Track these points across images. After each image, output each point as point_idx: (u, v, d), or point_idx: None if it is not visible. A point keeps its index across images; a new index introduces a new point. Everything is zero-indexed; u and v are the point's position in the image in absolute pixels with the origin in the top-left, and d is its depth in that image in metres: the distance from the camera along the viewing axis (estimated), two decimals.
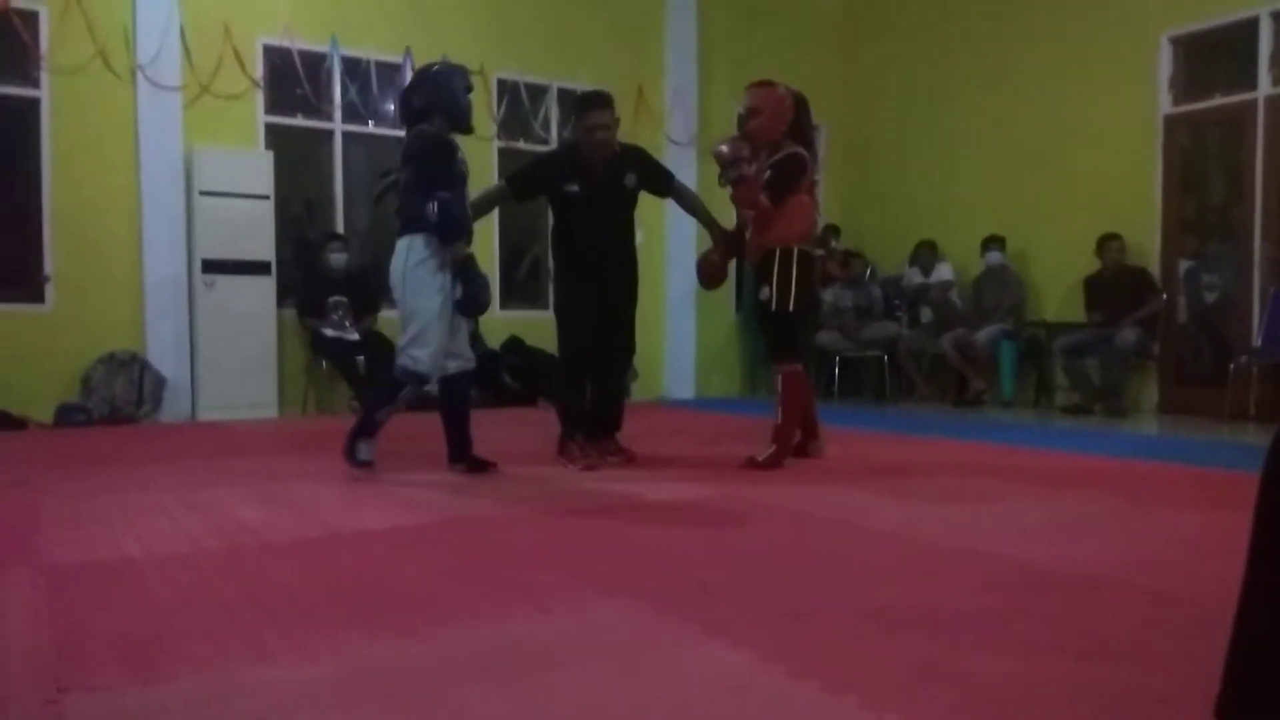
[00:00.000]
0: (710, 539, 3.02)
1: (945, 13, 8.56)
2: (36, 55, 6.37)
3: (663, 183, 4.67)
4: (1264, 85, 6.54)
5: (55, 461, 4.73)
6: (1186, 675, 1.70)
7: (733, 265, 5.58)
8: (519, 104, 8.05)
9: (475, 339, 7.61)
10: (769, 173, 4.33)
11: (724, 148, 4.31)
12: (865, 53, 9.40)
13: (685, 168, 8.35)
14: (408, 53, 7.48)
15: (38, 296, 6.46)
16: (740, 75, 8.51)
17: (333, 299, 6.96)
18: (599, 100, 4.48)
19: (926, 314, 8.05)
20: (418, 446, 4.68)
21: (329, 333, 6.90)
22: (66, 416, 6.27)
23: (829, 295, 8.10)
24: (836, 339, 8.13)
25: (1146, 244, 7.10)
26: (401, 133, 4.37)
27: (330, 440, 4.53)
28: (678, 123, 8.56)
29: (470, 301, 3.98)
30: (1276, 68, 6.50)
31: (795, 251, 4.33)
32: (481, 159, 7.72)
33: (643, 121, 8.31)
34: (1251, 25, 6.58)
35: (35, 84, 6.40)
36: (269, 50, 7.10)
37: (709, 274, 4.70)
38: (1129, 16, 7.18)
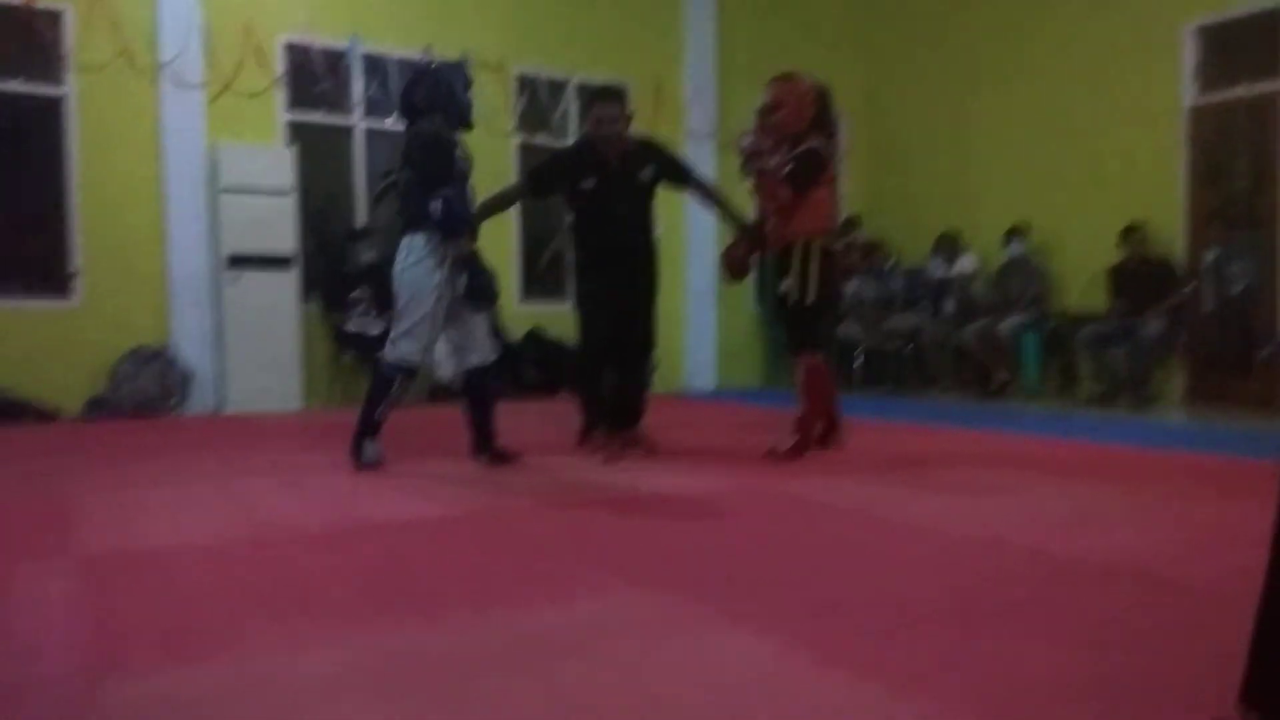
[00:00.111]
0: (732, 530, 3.04)
1: (967, 3, 8.50)
2: (61, 54, 6.44)
3: (680, 176, 4.68)
4: None
5: (86, 454, 4.80)
6: (1207, 665, 1.70)
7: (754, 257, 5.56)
8: (538, 99, 8.06)
9: (496, 331, 7.66)
10: (790, 165, 4.32)
11: (746, 140, 4.31)
12: (886, 43, 9.35)
13: (705, 161, 8.36)
14: (427, 49, 7.50)
15: (65, 292, 6.55)
16: (760, 68, 8.49)
17: (356, 293, 7.01)
18: (607, 94, 4.54)
19: (949, 305, 8.01)
20: (442, 438, 4.71)
21: (352, 327, 6.96)
22: (95, 410, 6.36)
23: (851, 286, 8.07)
24: (859, 330, 8.10)
25: (1171, 234, 7.04)
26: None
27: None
28: (697, 116, 8.54)
29: (477, 294, 3.99)
30: None
31: (816, 244, 4.33)
32: (500, 154, 7.75)
33: (662, 115, 8.30)
34: (1276, 15, 6.49)
35: (60, 82, 6.48)
36: (290, 48, 7.14)
37: (733, 267, 4.71)
38: (1153, 7, 7.10)
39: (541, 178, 4.70)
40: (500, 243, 7.84)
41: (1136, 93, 7.22)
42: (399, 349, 4.02)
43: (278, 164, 6.86)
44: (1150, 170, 7.16)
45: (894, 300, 8.14)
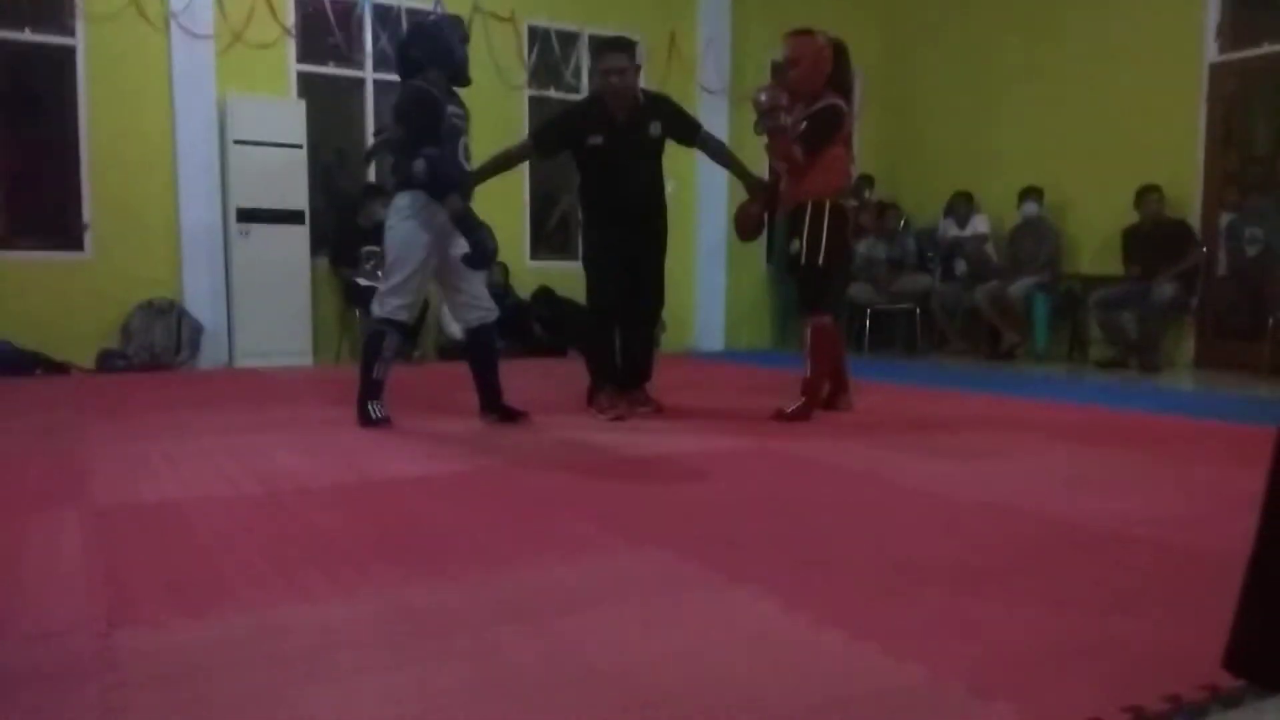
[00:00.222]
0: (737, 490, 3.06)
1: None
2: (72, 3, 6.39)
3: (688, 131, 4.62)
4: None
5: (98, 406, 4.85)
6: (1210, 630, 1.71)
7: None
8: (550, 52, 7.98)
9: (506, 290, 7.67)
10: (804, 124, 4.27)
11: (762, 95, 4.25)
12: (902, 1, 9.19)
13: (718, 116, 8.28)
14: (437, 0, 7.42)
15: (77, 244, 6.58)
16: (774, 21, 8.40)
17: (366, 248, 7.01)
18: (615, 44, 4.48)
19: (961, 266, 7.97)
20: (451, 396, 4.74)
21: (363, 282, 6.96)
22: (107, 362, 6.42)
23: (862, 247, 8.03)
24: (869, 291, 8.08)
25: (1187, 196, 6.96)
26: None
27: None
28: (710, 71, 8.45)
29: (475, 255, 3.95)
30: None
31: (827, 205, 4.29)
32: (512, 108, 7.69)
33: (675, 69, 8.22)
34: None
35: (71, 33, 6.45)
36: None
37: (746, 225, 4.65)
38: None
39: (547, 136, 4.66)
40: (510, 201, 7.82)
41: (1157, 50, 7.10)
42: (386, 305, 4.04)
43: (289, 116, 6.84)
44: (1168, 131, 7.07)
45: (905, 261, 8.10)
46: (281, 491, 2.91)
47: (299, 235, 6.88)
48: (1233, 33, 6.82)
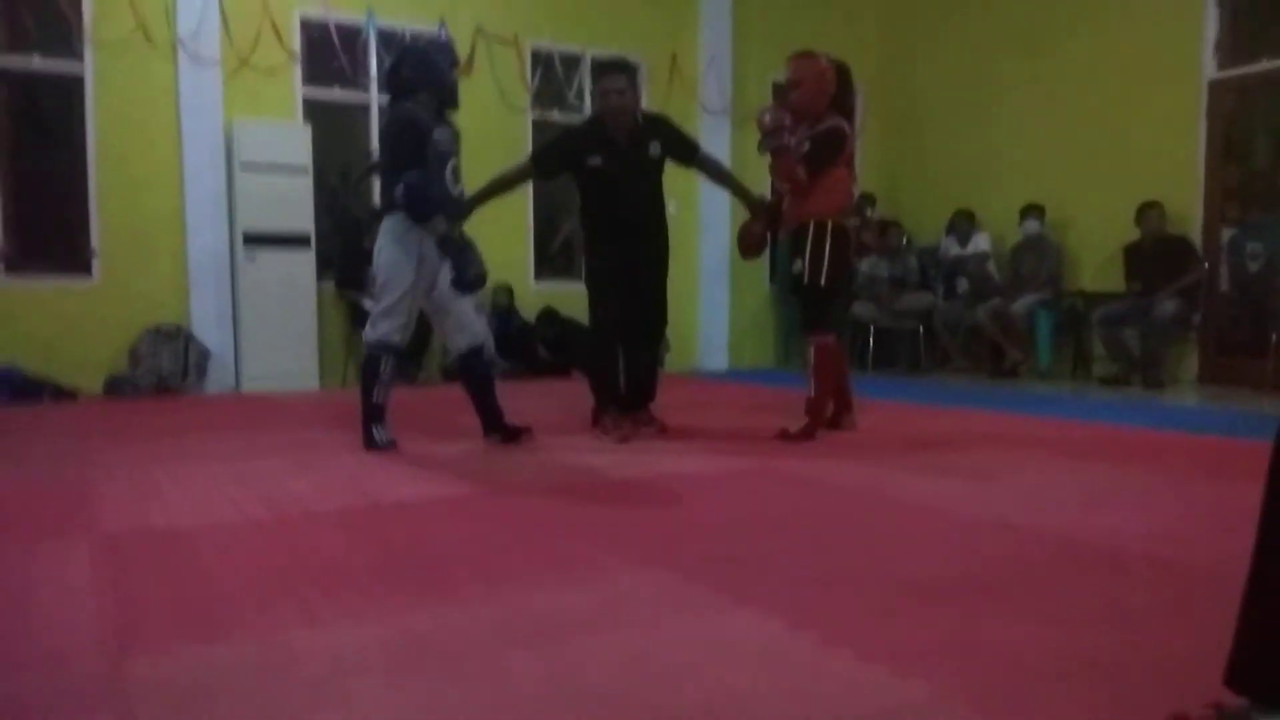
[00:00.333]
0: (742, 510, 3.07)
1: None
2: (79, 30, 6.47)
3: (687, 152, 4.65)
4: None
5: (106, 432, 4.87)
6: (1214, 646, 1.72)
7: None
8: (553, 74, 8.05)
9: (510, 311, 7.70)
10: (807, 145, 4.31)
11: (766, 116, 4.29)
12: (903, 18, 9.26)
13: (719, 136, 8.34)
14: (442, 23, 7.50)
15: (85, 270, 6.62)
16: (775, 42, 8.49)
17: (372, 271, 7.03)
18: (614, 66, 4.51)
19: (963, 284, 7.99)
20: (455, 418, 4.76)
21: (368, 304, 6.99)
22: (115, 387, 6.45)
23: (864, 266, 8.06)
24: (871, 310, 8.10)
25: (1188, 212, 6.99)
26: None
27: None
28: (711, 91, 8.51)
29: (460, 279, 3.97)
30: None
31: (829, 225, 4.33)
32: (516, 130, 7.75)
33: (677, 90, 8.29)
34: None
35: (79, 59, 6.52)
36: (306, 23, 7.15)
37: (750, 244, 4.68)
38: None
39: (547, 157, 4.69)
40: (513, 223, 7.87)
41: (1156, 67, 7.15)
42: (379, 329, 4.07)
43: (295, 141, 6.89)
44: (1168, 147, 7.10)
45: (907, 279, 8.13)
46: (289, 516, 2.93)
47: (305, 259, 6.91)
48: (1231, 49, 6.86)
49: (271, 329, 6.80)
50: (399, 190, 3.89)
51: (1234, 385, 6.62)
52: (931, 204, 8.66)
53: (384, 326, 4.06)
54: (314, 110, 7.24)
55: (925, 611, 2.00)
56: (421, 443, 4.26)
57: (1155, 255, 6.86)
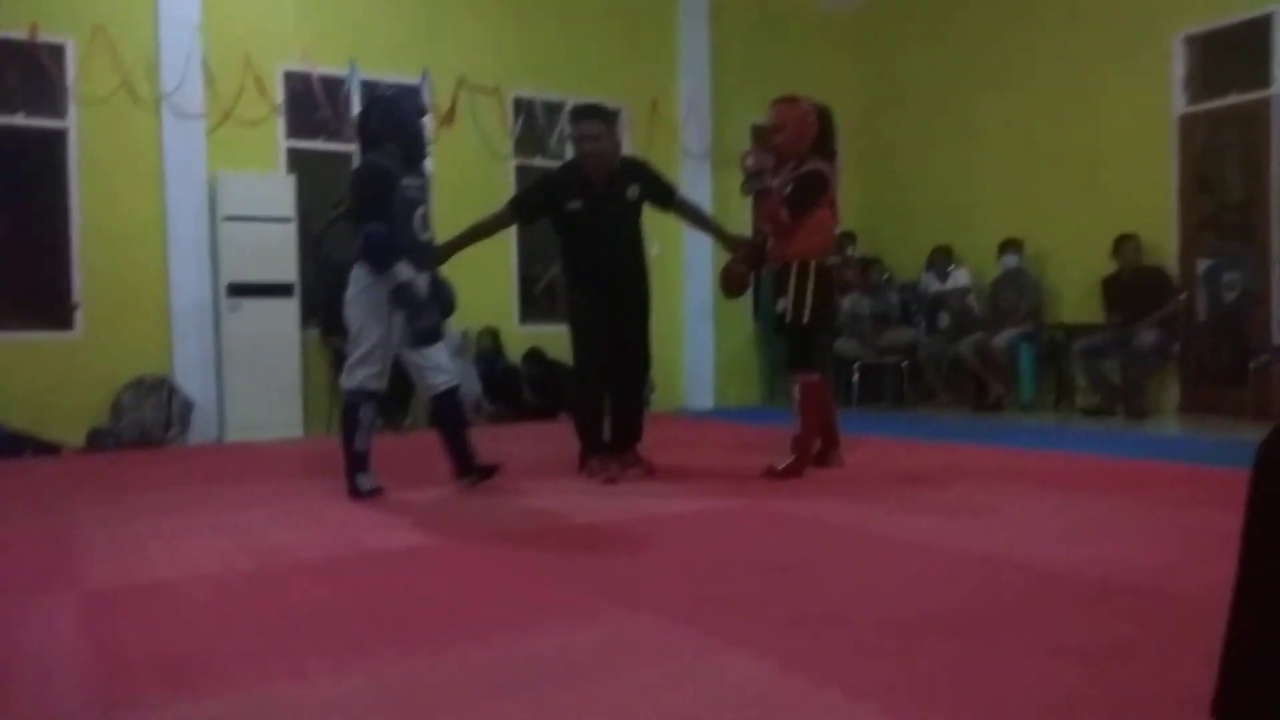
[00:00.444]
0: (730, 550, 3.07)
1: (958, 19, 8.59)
2: (64, 87, 6.52)
3: (665, 195, 4.70)
4: (1279, 83, 6.52)
5: (89, 486, 4.83)
6: (1201, 677, 1.73)
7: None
8: (535, 121, 8.14)
9: (496, 355, 7.71)
10: (790, 187, 4.38)
11: (749, 159, 4.36)
12: (879, 60, 9.44)
13: (700, 179, 8.44)
14: (424, 75, 7.59)
15: (67, 323, 6.60)
16: (754, 86, 8.63)
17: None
18: (589, 111, 4.54)
19: (944, 319, 8.06)
20: (441, 464, 4.73)
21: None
22: (98, 441, 6.40)
23: (846, 303, 8.12)
24: (855, 346, 8.15)
25: (1164, 243, 7.09)
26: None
27: None
28: (692, 135, 8.63)
29: (413, 333, 3.95)
30: None
31: (812, 265, 4.38)
32: (498, 177, 7.82)
33: (658, 134, 8.39)
34: (1264, 23, 6.57)
35: (62, 115, 6.55)
36: (289, 76, 7.22)
37: (732, 283, 4.73)
38: (1142, 17, 7.19)
39: (526, 203, 4.72)
40: (498, 266, 7.91)
41: (1127, 103, 7.30)
42: (355, 377, 4.07)
43: (278, 191, 6.93)
44: (1142, 180, 7.22)
45: (889, 315, 8.19)
46: (274, 567, 2.91)
47: (289, 308, 6.92)
48: (1200, 84, 7.02)
49: (255, 378, 6.78)
50: (358, 242, 3.93)
51: (1215, 414, 6.68)
52: (911, 241, 8.76)
53: (360, 374, 4.06)
54: (298, 159, 7.29)
55: (914, 648, 2.00)
56: (408, 489, 4.24)
57: (1133, 287, 6.95)
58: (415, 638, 2.17)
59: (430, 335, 4.00)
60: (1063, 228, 7.74)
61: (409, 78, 7.50)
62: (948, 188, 8.70)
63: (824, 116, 4.51)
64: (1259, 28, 6.62)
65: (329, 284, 7.41)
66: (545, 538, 3.29)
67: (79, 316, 6.60)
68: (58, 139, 6.56)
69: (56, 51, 6.50)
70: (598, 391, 4.57)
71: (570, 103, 8.14)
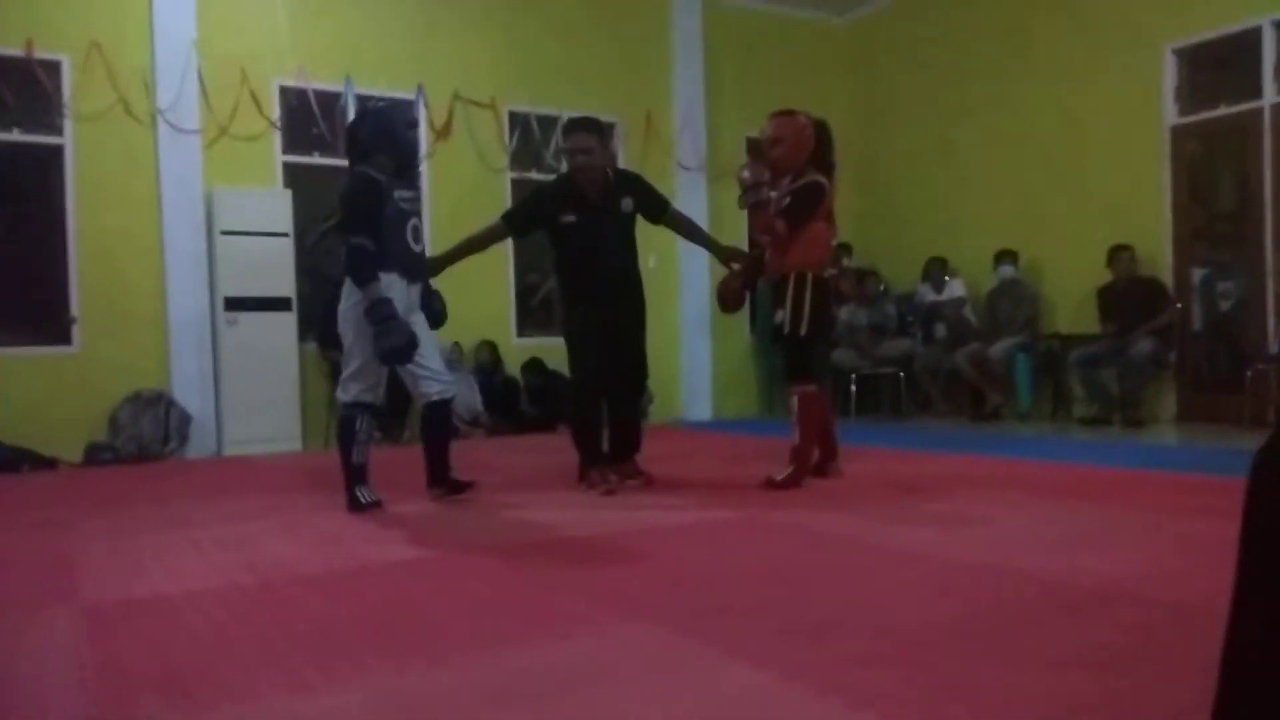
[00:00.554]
0: (730, 560, 3.06)
1: (951, 32, 8.65)
2: (60, 103, 6.53)
3: (657, 208, 4.72)
4: (1269, 94, 6.57)
5: (87, 500, 4.82)
6: (1204, 686, 1.73)
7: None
8: (530, 135, 8.17)
9: (494, 367, 7.72)
10: (787, 199, 4.40)
11: (745, 172, 4.39)
12: (872, 73, 9.49)
13: (695, 192, 8.48)
14: (420, 89, 7.62)
15: (65, 338, 6.60)
16: (747, 99, 8.68)
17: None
18: (582, 124, 4.55)
19: (940, 330, 8.08)
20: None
21: None
22: (95, 455, 6.39)
23: (843, 314, 8.14)
24: (852, 357, 8.16)
25: (1158, 254, 7.12)
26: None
27: None
28: (686, 148, 8.66)
29: (379, 352, 3.92)
30: None
31: (809, 277, 4.39)
32: (494, 190, 7.84)
33: (652, 148, 8.43)
34: (1255, 35, 6.62)
35: (59, 132, 6.57)
36: (285, 91, 7.25)
37: (729, 299, 4.77)
38: (1132, 29, 7.24)
39: (519, 216, 4.74)
40: (496, 279, 7.93)
41: (1119, 114, 7.34)
42: (349, 390, 4.08)
43: (275, 206, 6.95)
44: (1135, 191, 7.26)
45: (886, 326, 8.21)
46: (273, 580, 2.90)
47: (286, 322, 6.93)
48: (1191, 96, 7.06)
49: (253, 392, 6.78)
50: (343, 254, 3.94)
51: (1212, 422, 6.70)
52: (906, 252, 8.78)
53: (354, 388, 4.06)
54: (295, 174, 7.31)
55: (915, 658, 2.00)
56: (406, 502, 4.24)
57: (1128, 297, 6.97)
58: (414, 649, 2.16)
59: (393, 355, 3.93)
60: (1057, 238, 7.77)
61: (405, 92, 7.53)
62: (942, 199, 8.73)
63: (821, 130, 4.54)
64: (1249, 40, 6.66)
65: (324, 297, 7.43)
66: (544, 549, 3.29)
67: (76, 331, 6.61)
68: (54, 155, 6.58)
69: (52, 68, 6.52)
70: (595, 403, 4.58)
71: (565, 116, 8.21)
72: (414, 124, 4.33)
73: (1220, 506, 3.64)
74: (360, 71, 7.43)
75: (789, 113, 4.55)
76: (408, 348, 3.91)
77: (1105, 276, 7.15)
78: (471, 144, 7.84)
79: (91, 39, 6.55)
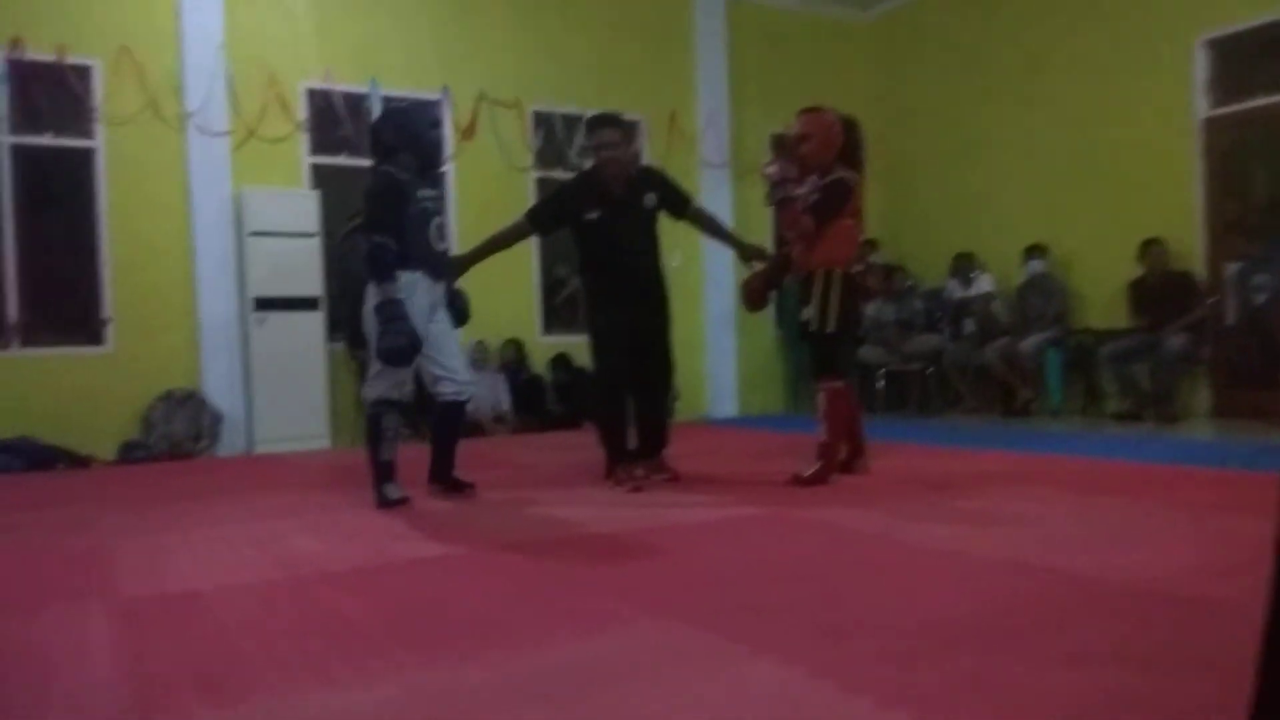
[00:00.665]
0: (756, 557, 3.06)
1: (978, 25, 8.57)
2: (91, 107, 6.62)
3: (680, 205, 4.71)
4: None
5: (121, 498, 4.89)
6: (1235, 684, 1.71)
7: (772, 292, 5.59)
8: (554, 134, 8.18)
9: (520, 366, 7.74)
10: (816, 195, 4.38)
11: (772, 168, 4.37)
12: (899, 67, 9.42)
13: (720, 189, 8.46)
14: (445, 90, 7.66)
15: (98, 339, 6.70)
16: (772, 96, 8.64)
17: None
18: (605, 119, 4.56)
19: (969, 325, 8.01)
20: (466, 473, 4.75)
21: None
22: (129, 454, 6.48)
23: (870, 309, 8.09)
24: (880, 353, 8.11)
25: (1190, 247, 7.02)
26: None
27: None
28: (711, 145, 8.64)
29: (380, 351, 3.93)
30: None
31: (837, 274, 4.37)
32: (519, 190, 7.86)
33: (677, 146, 8.41)
34: None
35: (90, 135, 6.66)
36: (312, 93, 7.31)
37: (752, 297, 4.79)
38: (1163, 21, 7.14)
39: (543, 214, 4.74)
40: (521, 277, 7.95)
41: (1149, 107, 7.24)
42: (376, 388, 4.10)
43: (303, 207, 7.00)
44: (1166, 184, 7.16)
45: (914, 322, 8.15)
46: (304, 576, 2.93)
47: (315, 321, 6.99)
48: (1222, 88, 6.95)
49: (283, 391, 6.84)
50: (363, 250, 3.97)
51: (1247, 418, 6.59)
52: (933, 247, 8.71)
53: (380, 385, 4.09)
54: (322, 175, 7.36)
55: (945, 656, 1.99)
56: (433, 498, 4.26)
57: (1160, 291, 6.88)
58: (444, 645, 2.18)
59: (392, 355, 3.92)
60: (1088, 233, 7.68)
61: (430, 93, 7.57)
62: (970, 194, 8.65)
63: (850, 127, 4.51)
64: None
65: (352, 296, 7.48)
66: (571, 546, 3.30)
67: (109, 332, 6.70)
68: (86, 158, 6.67)
69: (83, 72, 6.61)
70: (621, 399, 4.58)
71: (589, 116, 8.20)
72: (437, 123, 4.36)
73: (1255, 502, 3.59)
74: (386, 73, 7.48)
75: (817, 109, 4.53)
76: (408, 350, 3.91)
77: (1136, 270, 7.06)
78: (496, 144, 7.87)
79: (121, 43, 6.63)
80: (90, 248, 6.69)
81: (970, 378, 8.01)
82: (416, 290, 4.01)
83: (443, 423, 4.31)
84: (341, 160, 7.46)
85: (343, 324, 7.24)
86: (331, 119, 7.36)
